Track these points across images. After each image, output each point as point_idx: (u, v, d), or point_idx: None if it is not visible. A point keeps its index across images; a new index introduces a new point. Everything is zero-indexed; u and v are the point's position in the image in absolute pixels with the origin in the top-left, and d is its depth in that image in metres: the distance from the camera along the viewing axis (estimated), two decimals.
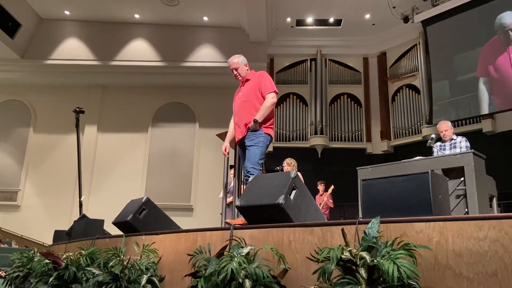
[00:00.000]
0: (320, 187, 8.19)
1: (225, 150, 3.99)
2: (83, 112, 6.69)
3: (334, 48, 12.84)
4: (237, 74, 3.90)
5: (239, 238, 2.34)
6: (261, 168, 3.58)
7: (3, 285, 4.53)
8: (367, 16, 11.78)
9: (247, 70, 3.93)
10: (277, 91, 3.76)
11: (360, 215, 2.33)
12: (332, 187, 7.98)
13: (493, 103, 9.34)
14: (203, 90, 12.78)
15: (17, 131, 12.85)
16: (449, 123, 5.23)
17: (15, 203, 12.23)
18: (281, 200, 2.37)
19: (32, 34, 12.24)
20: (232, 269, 2.00)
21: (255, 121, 3.62)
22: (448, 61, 10.33)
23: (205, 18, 12.13)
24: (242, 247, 2.22)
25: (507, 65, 9.04)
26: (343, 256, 1.65)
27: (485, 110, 9.46)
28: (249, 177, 3.44)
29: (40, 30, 12.40)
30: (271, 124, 3.77)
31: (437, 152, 5.11)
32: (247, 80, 3.89)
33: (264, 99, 3.73)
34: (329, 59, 12.98)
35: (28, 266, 4.26)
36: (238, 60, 3.90)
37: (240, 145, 3.85)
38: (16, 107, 13.01)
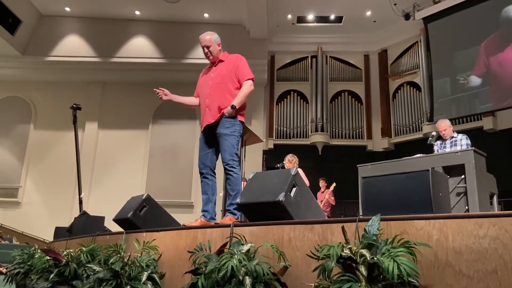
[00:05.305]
0: (322, 183, 8.17)
1: (162, 91, 3.80)
2: (80, 108, 6.76)
3: (335, 45, 12.81)
4: (208, 53, 3.54)
5: (239, 235, 2.34)
6: (238, 158, 3.37)
7: (4, 281, 4.55)
8: (368, 13, 11.75)
9: (220, 50, 3.59)
10: (253, 78, 3.50)
11: (361, 213, 2.33)
12: (334, 184, 7.95)
13: (490, 101, 9.23)
14: None
15: (18, 128, 12.86)
16: (447, 122, 5.20)
17: (16, 200, 12.25)
18: (281, 197, 2.36)
19: (32, 30, 12.24)
20: (232, 266, 2.00)
21: (233, 107, 3.33)
22: (449, 58, 10.30)
23: (206, 15, 12.10)
24: (242, 244, 2.23)
25: None
26: (343, 254, 1.65)
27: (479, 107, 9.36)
28: (230, 170, 3.30)
29: (40, 26, 12.39)
30: (243, 111, 3.52)
31: (438, 150, 5.11)
32: (221, 61, 3.57)
33: (239, 84, 3.47)
34: (329, 56, 12.96)
35: (29, 263, 4.27)
36: (211, 37, 3.54)
37: (208, 130, 3.47)
38: (17, 104, 13.00)
